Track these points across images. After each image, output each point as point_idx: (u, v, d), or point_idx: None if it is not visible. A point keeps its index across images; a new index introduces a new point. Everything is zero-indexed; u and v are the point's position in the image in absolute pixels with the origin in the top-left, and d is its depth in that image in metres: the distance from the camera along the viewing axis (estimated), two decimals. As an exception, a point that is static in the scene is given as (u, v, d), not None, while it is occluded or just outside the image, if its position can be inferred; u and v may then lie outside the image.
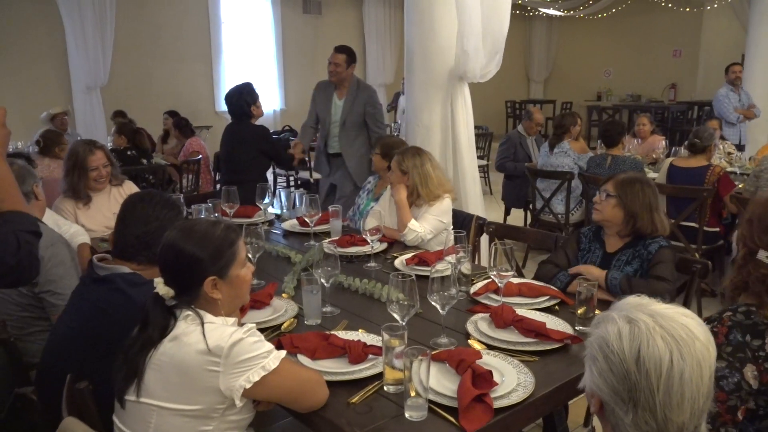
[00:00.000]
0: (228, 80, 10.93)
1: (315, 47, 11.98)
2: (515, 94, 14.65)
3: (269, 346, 1.45)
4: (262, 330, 1.96)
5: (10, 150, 6.03)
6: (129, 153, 5.63)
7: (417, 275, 2.40)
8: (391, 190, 3.13)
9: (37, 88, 8.86)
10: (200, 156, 6.33)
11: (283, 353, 1.47)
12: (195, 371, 1.37)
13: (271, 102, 11.51)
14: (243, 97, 4.10)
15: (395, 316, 1.77)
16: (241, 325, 1.57)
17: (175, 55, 10.26)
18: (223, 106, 10.82)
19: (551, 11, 12.88)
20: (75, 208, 3.22)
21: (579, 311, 1.98)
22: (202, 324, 1.42)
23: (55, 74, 9.08)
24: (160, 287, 1.48)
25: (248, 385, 1.38)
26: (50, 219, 2.65)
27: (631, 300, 1.04)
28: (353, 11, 12.47)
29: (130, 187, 3.45)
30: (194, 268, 1.49)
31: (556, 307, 2.16)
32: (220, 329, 1.41)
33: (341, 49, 4.55)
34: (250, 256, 2.41)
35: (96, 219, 3.24)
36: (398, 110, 9.76)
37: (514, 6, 12.35)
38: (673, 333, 0.96)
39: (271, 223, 3.45)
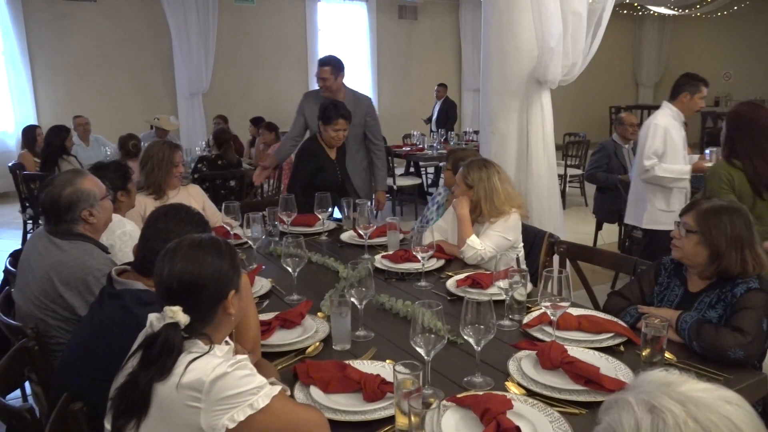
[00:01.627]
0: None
1: (409, 53, 11.91)
2: (621, 99, 13.78)
3: (260, 381, 1.30)
4: (285, 353, 1.85)
5: (107, 152, 6.38)
6: (219, 162, 5.74)
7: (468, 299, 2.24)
8: (453, 203, 2.91)
9: (145, 95, 9.42)
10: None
11: (276, 390, 1.32)
12: (174, 406, 1.24)
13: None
14: None
15: (419, 350, 1.57)
16: (243, 353, 1.44)
17: (273, 63, 10.56)
18: (317, 112, 11.11)
19: (663, 10, 11.98)
20: (154, 204, 3.25)
21: (643, 353, 1.68)
22: (207, 353, 1.30)
23: (161, 82, 9.62)
24: (180, 316, 1.33)
25: (232, 425, 1.24)
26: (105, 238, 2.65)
27: (656, 376, 0.77)
28: (449, 16, 12.26)
29: (195, 188, 3.49)
30: (217, 288, 1.38)
31: (621, 347, 1.86)
32: (204, 360, 1.28)
33: (325, 61, 4.17)
34: (290, 269, 2.33)
35: None
36: (433, 119, 9.45)
37: (621, 5, 11.69)
38: (710, 429, 0.70)
39: (331, 233, 3.34)
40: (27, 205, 5.48)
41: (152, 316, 1.39)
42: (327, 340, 1.94)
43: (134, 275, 1.71)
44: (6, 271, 2.63)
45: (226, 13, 9.87)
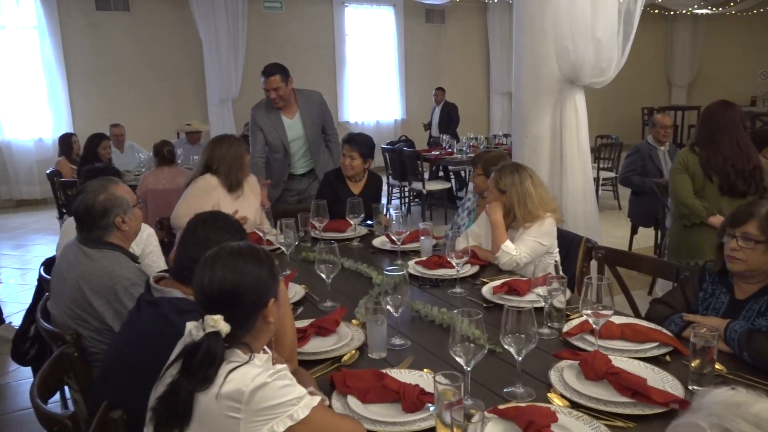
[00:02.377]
0: (351, 91, 11.14)
1: (437, 56, 11.88)
2: (654, 99, 13.53)
3: (300, 391, 1.29)
4: (321, 361, 1.83)
5: (141, 159, 6.48)
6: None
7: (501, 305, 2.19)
8: (485, 209, 2.87)
9: (177, 102, 9.57)
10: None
11: (316, 400, 1.30)
12: (214, 417, 1.23)
13: (391, 112, 11.57)
14: None
15: (459, 360, 1.54)
16: (280, 361, 1.43)
17: (301, 68, 10.58)
18: (346, 117, 11.16)
19: (696, 9, 11.73)
20: (230, 200, 3.25)
21: (692, 365, 1.62)
22: (247, 362, 1.29)
23: (192, 88, 9.75)
24: (221, 325, 1.31)
25: None
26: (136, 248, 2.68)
27: (724, 396, 0.73)
28: (477, 19, 12.20)
29: (252, 178, 3.49)
30: (258, 296, 1.37)
31: (667, 357, 1.80)
32: (244, 370, 1.26)
33: (272, 70, 3.84)
34: (324, 276, 2.31)
35: (252, 205, 3.32)
36: (433, 124, 9.28)
37: (653, 5, 11.48)
38: None
39: (363, 238, 3.32)
40: (64, 211, 5.60)
41: (190, 325, 1.38)
42: (362, 348, 1.92)
43: (172, 282, 1.71)
44: (40, 278, 2.67)
45: (255, 19, 9.97)
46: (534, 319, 1.57)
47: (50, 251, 5.21)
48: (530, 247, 2.67)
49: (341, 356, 1.85)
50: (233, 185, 3.24)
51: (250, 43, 9.87)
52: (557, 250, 2.85)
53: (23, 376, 3.52)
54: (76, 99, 8.96)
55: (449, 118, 9.05)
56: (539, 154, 3.69)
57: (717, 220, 3.07)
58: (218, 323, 1.32)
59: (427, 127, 9.44)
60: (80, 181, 3.47)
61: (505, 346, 1.60)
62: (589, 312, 1.78)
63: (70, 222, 2.72)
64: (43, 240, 6.76)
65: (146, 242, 2.69)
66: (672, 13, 12.85)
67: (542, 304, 2.03)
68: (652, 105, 13.07)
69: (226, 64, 9.66)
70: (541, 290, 2.03)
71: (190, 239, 1.73)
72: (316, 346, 1.90)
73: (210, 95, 9.81)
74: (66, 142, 6.23)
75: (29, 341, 2.44)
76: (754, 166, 3.12)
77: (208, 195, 3.15)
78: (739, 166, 3.10)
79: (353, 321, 2.12)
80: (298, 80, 11.88)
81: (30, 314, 2.56)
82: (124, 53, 9.20)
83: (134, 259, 2.22)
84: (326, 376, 1.72)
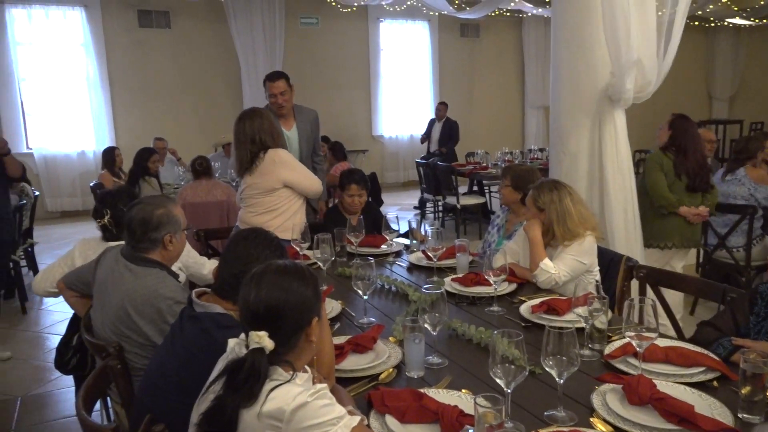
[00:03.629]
0: (385, 105, 11.20)
1: (471, 71, 11.87)
2: (694, 113, 13.11)
3: (340, 411, 1.29)
4: (358, 379, 1.82)
5: (180, 172, 6.61)
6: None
7: (543, 325, 2.15)
8: (524, 226, 2.84)
9: (214, 116, 9.75)
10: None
11: (356, 420, 1.29)
12: None
13: (425, 126, 11.57)
14: None
15: (499, 382, 1.52)
16: (320, 380, 1.43)
17: (336, 83, 10.74)
18: (380, 131, 11.22)
19: (738, 21, 11.47)
20: None
21: (742, 391, 1.56)
22: (289, 380, 1.30)
23: (230, 103, 9.93)
24: (266, 341, 1.32)
25: None
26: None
27: None
28: (512, 33, 12.17)
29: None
30: (302, 315, 1.38)
31: (715, 383, 1.74)
32: (285, 389, 1.27)
33: (278, 75, 3.87)
34: (360, 292, 2.31)
35: None
36: (432, 139, 9.10)
37: (693, 17, 11.25)
38: None
39: (398, 254, 3.31)
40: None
41: (232, 342, 1.40)
42: (399, 366, 1.91)
43: (214, 298, 1.73)
44: None
45: (291, 35, 10.13)
46: (576, 341, 1.54)
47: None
48: (570, 265, 2.63)
49: (378, 374, 1.84)
50: None
51: (286, 59, 10.02)
52: (597, 268, 2.80)
53: (65, 385, 3.60)
54: (118, 113, 9.22)
55: (449, 135, 8.94)
56: (577, 170, 3.63)
57: (686, 210, 3.85)
58: (263, 339, 1.32)
59: (425, 138, 9.28)
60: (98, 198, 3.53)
61: (546, 369, 1.57)
62: (632, 334, 1.74)
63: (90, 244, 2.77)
64: (85, 250, 6.93)
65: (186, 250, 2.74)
66: (712, 24, 12.59)
67: (583, 324, 1.99)
68: (693, 119, 12.79)
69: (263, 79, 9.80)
70: (581, 310, 1.99)
71: (231, 255, 1.75)
72: (354, 363, 1.89)
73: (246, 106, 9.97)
74: (110, 155, 6.40)
75: (72, 350, 2.50)
76: (707, 169, 3.94)
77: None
78: (701, 170, 3.86)
79: (390, 338, 2.12)
80: (333, 94, 12.11)
81: (73, 324, 2.62)
82: (164, 69, 9.44)
83: (175, 276, 2.25)
84: (363, 394, 1.71)
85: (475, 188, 8.17)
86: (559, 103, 3.73)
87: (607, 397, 1.63)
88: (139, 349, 2.08)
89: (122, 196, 2.75)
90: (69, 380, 3.47)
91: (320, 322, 1.45)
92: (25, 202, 5.09)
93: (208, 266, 2.88)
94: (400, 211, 8.60)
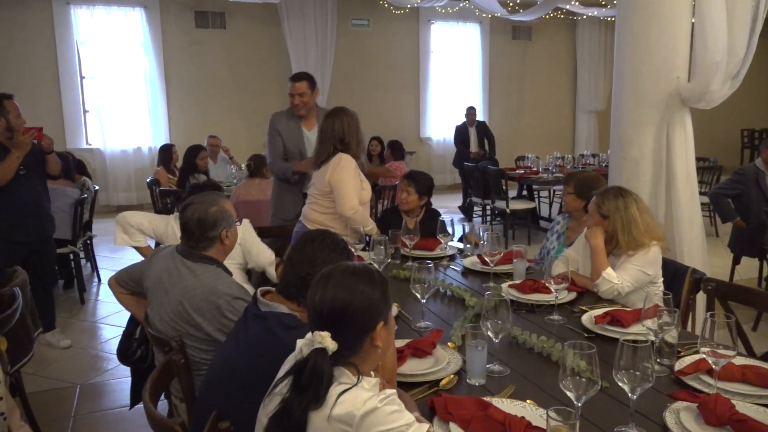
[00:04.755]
0: (434, 107, 11.16)
1: (523, 74, 11.72)
2: (755, 121, 12.73)
3: (408, 418, 1.26)
4: (418, 384, 1.80)
5: (233, 170, 6.72)
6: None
7: (607, 337, 2.09)
8: (585, 234, 2.76)
9: (266, 115, 9.83)
10: (396, 182, 6.41)
11: (424, 428, 1.27)
12: None
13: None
14: None
15: (569, 395, 1.47)
16: (382, 383, 1.41)
17: (385, 84, 10.76)
18: (427, 133, 11.18)
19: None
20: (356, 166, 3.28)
21: (831, 418, 1.47)
22: (355, 384, 1.28)
23: (280, 104, 10.02)
24: (328, 342, 1.31)
25: None
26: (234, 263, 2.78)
27: None
28: (565, 35, 11.95)
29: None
30: (367, 318, 1.36)
31: (797, 405, 1.64)
32: (355, 393, 1.25)
33: (301, 76, 3.85)
34: (419, 295, 2.28)
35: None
36: (470, 144, 8.77)
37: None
38: None
39: (452, 258, 3.27)
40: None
41: (300, 342, 1.39)
42: (460, 373, 1.87)
43: (278, 298, 1.73)
44: None
45: (342, 36, 10.20)
46: (652, 356, 1.48)
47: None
48: (633, 276, 2.54)
49: (439, 380, 1.81)
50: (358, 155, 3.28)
51: (336, 60, 10.10)
52: (661, 279, 2.70)
53: (120, 375, 3.70)
54: (173, 111, 9.46)
55: (486, 136, 8.81)
56: (639, 177, 3.52)
57: None
58: (325, 340, 1.31)
59: (465, 147, 8.79)
60: (185, 193, 3.63)
61: (618, 383, 1.51)
62: (707, 350, 1.66)
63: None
64: (139, 244, 7.12)
65: (242, 239, 2.79)
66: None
67: (651, 338, 1.91)
68: (753, 127, 12.31)
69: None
70: (650, 323, 1.91)
71: (298, 257, 1.75)
72: (413, 367, 1.87)
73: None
74: (166, 152, 6.55)
75: (135, 343, 2.56)
76: None
77: (357, 172, 3.21)
78: None
79: (449, 344, 2.08)
80: (382, 96, 12.13)
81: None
82: (219, 69, 9.64)
83: (229, 273, 2.28)
84: (424, 400, 1.68)
85: (525, 193, 8.05)
86: (621, 107, 3.62)
87: (681, 416, 1.56)
88: (198, 343, 2.11)
89: (208, 189, 2.89)
90: (124, 370, 3.56)
91: (387, 327, 1.42)
92: (86, 196, 5.25)
93: (268, 255, 2.95)
94: (446, 214, 8.53)
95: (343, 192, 3.18)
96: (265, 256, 3.02)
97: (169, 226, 3.18)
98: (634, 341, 1.49)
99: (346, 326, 1.34)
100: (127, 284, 2.44)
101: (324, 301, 1.35)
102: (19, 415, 2.20)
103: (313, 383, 1.27)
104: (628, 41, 3.54)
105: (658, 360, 1.91)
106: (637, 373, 1.48)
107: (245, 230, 2.98)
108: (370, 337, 1.37)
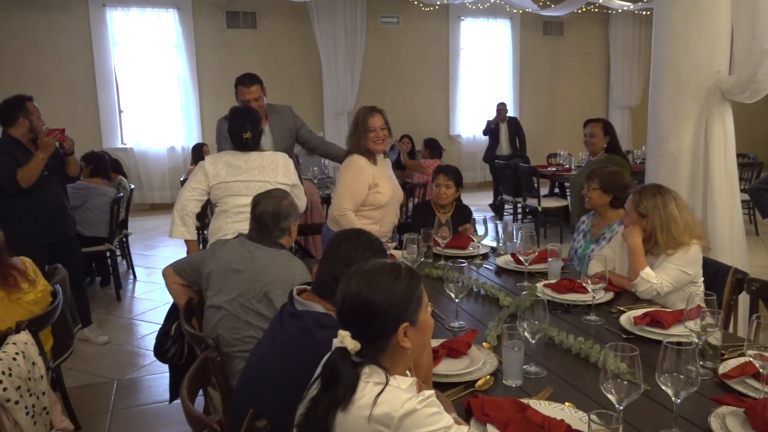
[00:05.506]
0: (463, 105, 11.08)
1: (554, 70, 11.56)
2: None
3: (448, 420, 1.25)
4: (454, 384, 1.78)
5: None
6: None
7: (646, 338, 2.05)
8: (622, 232, 2.70)
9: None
10: (426, 181, 6.39)
11: (463, 430, 1.25)
12: None
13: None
14: None
15: (610, 398, 1.44)
16: (418, 384, 1.40)
17: (415, 82, 10.73)
18: (457, 130, 11.11)
19: None
20: (368, 164, 3.27)
21: None
22: (386, 385, 1.26)
23: (309, 102, 10.11)
24: (348, 341, 1.31)
25: None
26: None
27: None
28: (598, 30, 11.74)
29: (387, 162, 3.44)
30: (388, 316, 1.33)
31: None
32: (393, 393, 1.24)
33: (252, 79, 3.76)
34: (453, 295, 2.26)
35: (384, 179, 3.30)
36: (501, 141, 8.62)
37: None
38: None
39: (485, 256, 3.24)
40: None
41: (336, 341, 1.39)
42: (496, 374, 1.85)
43: (314, 297, 1.74)
44: None
45: (372, 34, 10.20)
46: (697, 360, 1.44)
47: (178, 253, 5.56)
48: (673, 275, 2.48)
49: (474, 381, 1.80)
50: (365, 152, 3.23)
51: (366, 58, 10.10)
52: (702, 279, 2.63)
53: (156, 371, 3.76)
54: (205, 111, 9.57)
55: (518, 133, 8.68)
56: (677, 174, 3.44)
57: None
58: (345, 339, 1.31)
59: (495, 142, 8.71)
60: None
61: (662, 387, 1.47)
62: (753, 353, 1.61)
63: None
64: (172, 242, 7.24)
65: None
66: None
67: (694, 339, 1.86)
68: (794, 121, 11.92)
69: (343, 79, 9.95)
70: (693, 324, 1.86)
71: (333, 256, 1.75)
72: (448, 368, 1.85)
73: (327, 108, 10.14)
74: (198, 151, 6.66)
75: (170, 340, 2.59)
76: None
77: (360, 174, 3.19)
78: None
79: (484, 344, 2.06)
80: (412, 93, 12.07)
81: (171, 315, 2.72)
82: (250, 68, 9.53)
83: None
84: (460, 401, 1.67)
85: (557, 190, 7.93)
86: (659, 103, 3.54)
87: (727, 421, 1.51)
88: (253, 332, 2.20)
89: None
90: (160, 366, 3.63)
91: (417, 329, 1.38)
92: (122, 195, 5.35)
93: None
94: (477, 212, 8.47)
95: (338, 191, 3.24)
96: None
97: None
98: (678, 343, 1.45)
99: (367, 324, 1.33)
100: (184, 272, 2.54)
101: (345, 298, 1.35)
102: (61, 410, 2.26)
103: (334, 382, 1.27)
104: (667, 35, 3.46)
105: (701, 363, 1.86)
106: (681, 376, 1.44)
107: None
108: (396, 338, 1.33)
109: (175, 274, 2.54)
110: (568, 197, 6.93)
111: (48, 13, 8.71)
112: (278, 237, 2.38)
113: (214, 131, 4.21)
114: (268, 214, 2.35)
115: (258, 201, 2.40)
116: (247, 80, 3.74)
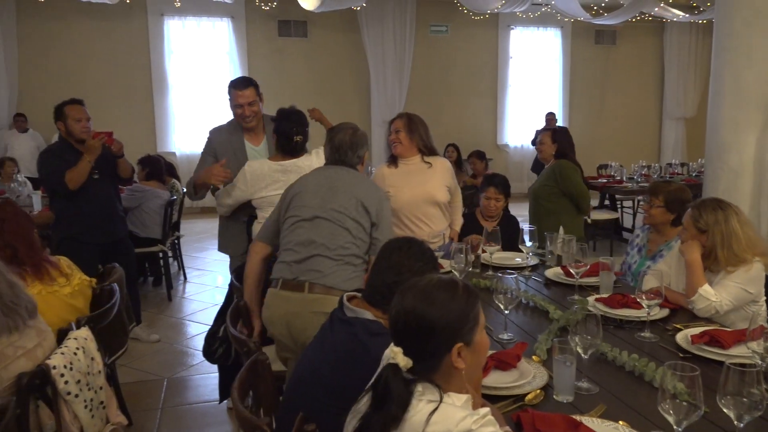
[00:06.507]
0: (512, 114, 10.97)
1: (605, 79, 11.34)
2: None
3: (505, 439, 1.23)
4: (503, 398, 1.76)
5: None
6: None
7: (705, 358, 1.97)
8: (680, 247, 2.62)
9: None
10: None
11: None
12: None
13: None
14: None
15: (668, 419, 1.39)
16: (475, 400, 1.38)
17: (463, 90, 10.69)
18: (505, 139, 11.00)
19: None
20: (390, 171, 3.33)
21: None
22: (440, 402, 1.24)
23: (358, 110, 10.21)
24: (399, 357, 1.29)
25: None
26: None
27: None
28: (652, 39, 11.47)
29: (442, 163, 3.43)
30: (442, 335, 1.30)
31: None
32: (448, 411, 1.22)
33: (246, 82, 3.32)
34: (502, 306, 2.24)
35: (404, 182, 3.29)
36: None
37: None
38: None
39: (534, 268, 3.19)
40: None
41: (387, 352, 1.37)
42: (546, 388, 1.81)
43: (363, 304, 1.74)
44: (232, 285, 2.88)
45: (421, 43, 10.23)
46: (762, 381, 1.38)
47: (227, 256, 5.66)
48: (733, 293, 2.38)
49: (524, 395, 1.77)
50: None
51: (414, 67, 10.14)
52: (764, 298, 2.53)
53: (205, 371, 3.84)
54: (257, 117, 9.77)
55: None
56: (737, 188, 3.32)
57: None
58: (397, 356, 1.29)
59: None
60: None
61: (723, 409, 1.42)
62: (822, 378, 1.53)
63: None
64: (214, 243, 7.39)
65: None
66: None
67: (757, 361, 1.79)
68: None
69: (391, 87, 10.01)
70: (756, 345, 1.79)
71: (384, 264, 1.75)
72: (497, 380, 1.83)
73: (374, 116, 10.21)
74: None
75: (218, 341, 2.65)
76: None
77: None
78: None
79: (533, 357, 2.03)
80: (459, 102, 12.02)
81: (220, 316, 2.77)
82: (300, 76, 9.88)
83: None
84: (509, 414, 1.64)
85: (607, 203, 7.76)
86: (719, 115, 3.43)
87: (793, 448, 1.44)
88: (351, 239, 2.41)
89: None
90: (209, 367, 3.71)
91: (472, 350, 1.34)
92: (175, 198, 5.51)
93: None
94: (524, 223, 8.35)
95: None
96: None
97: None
98: (742, 365, 1.39)
99: (421, 342, 1.30)
100: (266, 231, 2.61)
101: (399, 314, 1.33)
102: (116, 405, 2.33)
103: (386, 401, 1.25)
104: (728, 45, 3.35)
105: (766, 387, 1.78)
106: (744, 399, 1.39)
107: None
108: (449, 358, 1.31)
109: (260, 242, 2.61)
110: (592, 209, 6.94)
111: (109, 21, 9.07)
112: (355, 163, 2.58)
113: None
114: (346, 143, 2.54)
115: (336, 132, 2.59)
116: (241, 83, 3.33)
